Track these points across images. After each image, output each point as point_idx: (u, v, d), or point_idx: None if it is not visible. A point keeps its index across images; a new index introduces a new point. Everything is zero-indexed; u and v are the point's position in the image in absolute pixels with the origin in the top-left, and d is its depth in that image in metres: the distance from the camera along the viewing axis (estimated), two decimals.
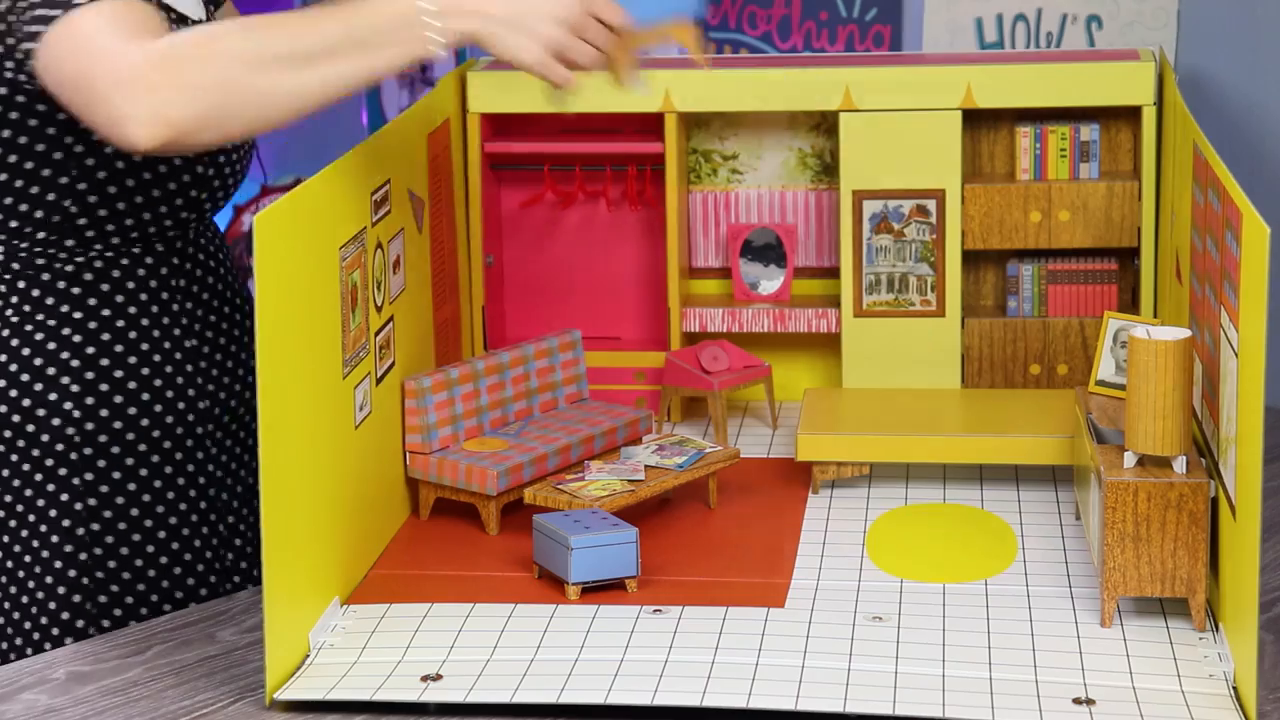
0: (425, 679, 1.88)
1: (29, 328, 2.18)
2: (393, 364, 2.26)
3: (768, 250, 2.68)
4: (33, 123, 2.12)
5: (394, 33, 1.92)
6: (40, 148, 2.13)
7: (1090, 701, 1.81)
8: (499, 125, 2.69)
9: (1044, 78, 2.55)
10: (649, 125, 2.64)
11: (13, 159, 2.14)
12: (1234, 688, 1.82)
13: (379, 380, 2.21)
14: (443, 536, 2.26)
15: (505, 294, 2.75)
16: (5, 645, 2.21)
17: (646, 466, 2.30)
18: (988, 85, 2.55)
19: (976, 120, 2.62)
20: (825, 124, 2.67)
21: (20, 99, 2.10)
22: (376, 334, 2.19)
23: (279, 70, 1.90)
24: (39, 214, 2.16)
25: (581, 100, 2.60)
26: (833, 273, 2.69)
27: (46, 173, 2.14)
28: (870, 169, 2.58)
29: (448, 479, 2.28)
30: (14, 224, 2.15)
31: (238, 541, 2.32)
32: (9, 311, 2.18)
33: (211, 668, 1.96)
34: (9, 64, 2.07)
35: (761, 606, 2.02)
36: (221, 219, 3.88)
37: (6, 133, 2.12)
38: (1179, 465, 1.95)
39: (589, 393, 2.51)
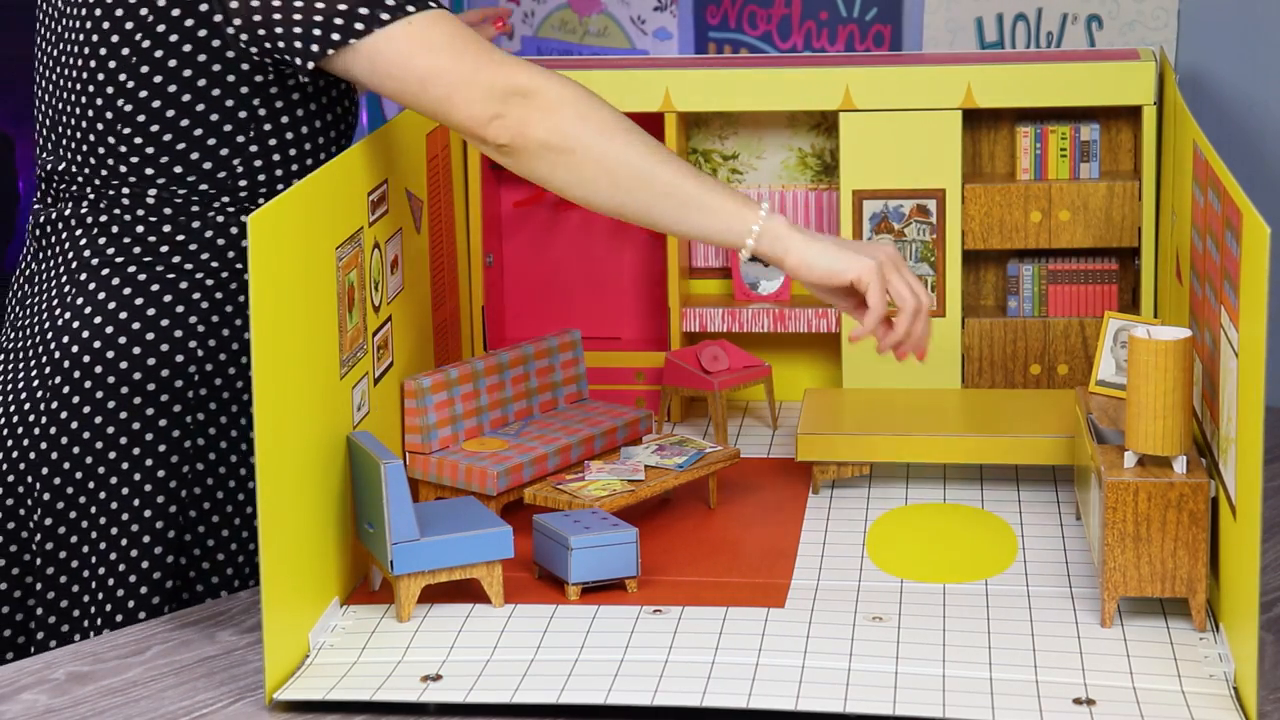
0: (425, 679, 1.88)
1: (116, 280, 2.20)
2: (391, 364, 2.26)
3: None
4: (243, 89, 2.16)
5: (724, 218, 2.09)
6: (229, 103, 2.17)
7: (1090, 702, 1.81)
8: None
9: (1044, 77, 2.55)
10: (649, 125, 2.63)
11: (211, 117, 2.17)
12: (1234, 688, 1.82)
13: (377, 380, 2.21)
14: None
15: (505, 294, 2.75)
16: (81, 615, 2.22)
17: (646, 466, 2.30)
18: (988, 85, 2.55)
19: (976, 120, 2.61)
20: (825, 124, 2.67)
21: (258, 77, 2.16)
22: (374, 334, 2.19)
23: (623, 174, 2.08)
24: (207, 166, 2.19)
25: None
26: None
27: (228, 129, 2.17)
28: (870, 169, 2.58)
29: (447, 479, 2.28)
30: (186, 175, 2.18)
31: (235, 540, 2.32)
32: (95, 260, 2.20)
33: (211, 668, 1.96)
34: (263, 46, 2.11)
35: (761, 606, 2.02)
36: None
37: (215, 91, 2.15)
38: (1179, 465, 1.95)
39: (589, 393, 2.50)
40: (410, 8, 2.08)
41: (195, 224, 2.20)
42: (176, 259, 2.21)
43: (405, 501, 2.00)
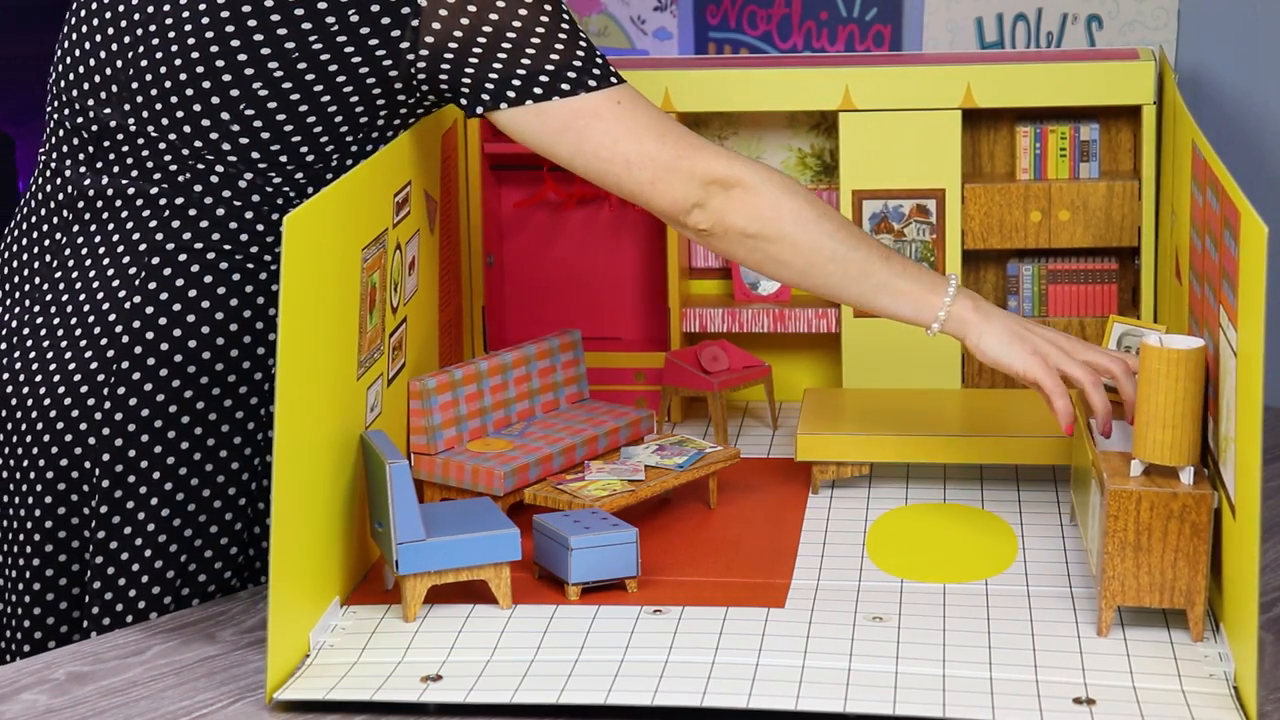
0: (425, 679, 1.88)
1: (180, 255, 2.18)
2: (404, 365, 2.27)
3: None
4: (380, 102, 2.16)
5: (910, 302, 2.16)
6: (359, 109, 2.16)
7: (1090, 701, 1.81)
8: None
9: (1043, 77, 2.55)
10: None
11: (337, 119, 2.15)
12: (1234, 687, 1.82)
13: (390, 381, 2.21)
14: None
15: (506, 294, 2.76)
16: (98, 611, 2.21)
17: (646, 466, 2.30)
18: (987, 85, 2.55)
19: (976, 120, 2.62)
20: (825, 124, 2.67)
21: (400, 96, 2.16)
22: (391, 335, 2.19)
23: (817, 259, 2.15)
24: (310, 158, 2.17)
25: None
26: None
27: (344, 129, 2.16)
28: (870, 169, 2.58)
29: (453, 480, 2.28)
30: (288, 164, 2.16)
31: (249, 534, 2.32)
32: (133, 238, 2.17)
33: (211, 668, 1.96)
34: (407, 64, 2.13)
35: (761, 606, 2.02)
36: None
37: (355, 98, 2.14)
38: (1186, 476, 1.93)
39: (589, 393, 2.51)
40: (613, 79, 2.13)
41: (275, 216, 2.17)
42: (255, 249, 2.18)
43: (410, 501, 2.01)
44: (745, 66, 2.64)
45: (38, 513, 2.19)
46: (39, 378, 2.19)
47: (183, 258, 2.17)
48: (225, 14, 2.12)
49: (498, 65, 2.10)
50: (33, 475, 2.19)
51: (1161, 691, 1.82)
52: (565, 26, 2.13)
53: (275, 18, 2.11)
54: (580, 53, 2.12)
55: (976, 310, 2.15)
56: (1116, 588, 1.93)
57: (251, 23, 2.12)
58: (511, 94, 2.11)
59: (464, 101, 2.14)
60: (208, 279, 2.18)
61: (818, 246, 2.15)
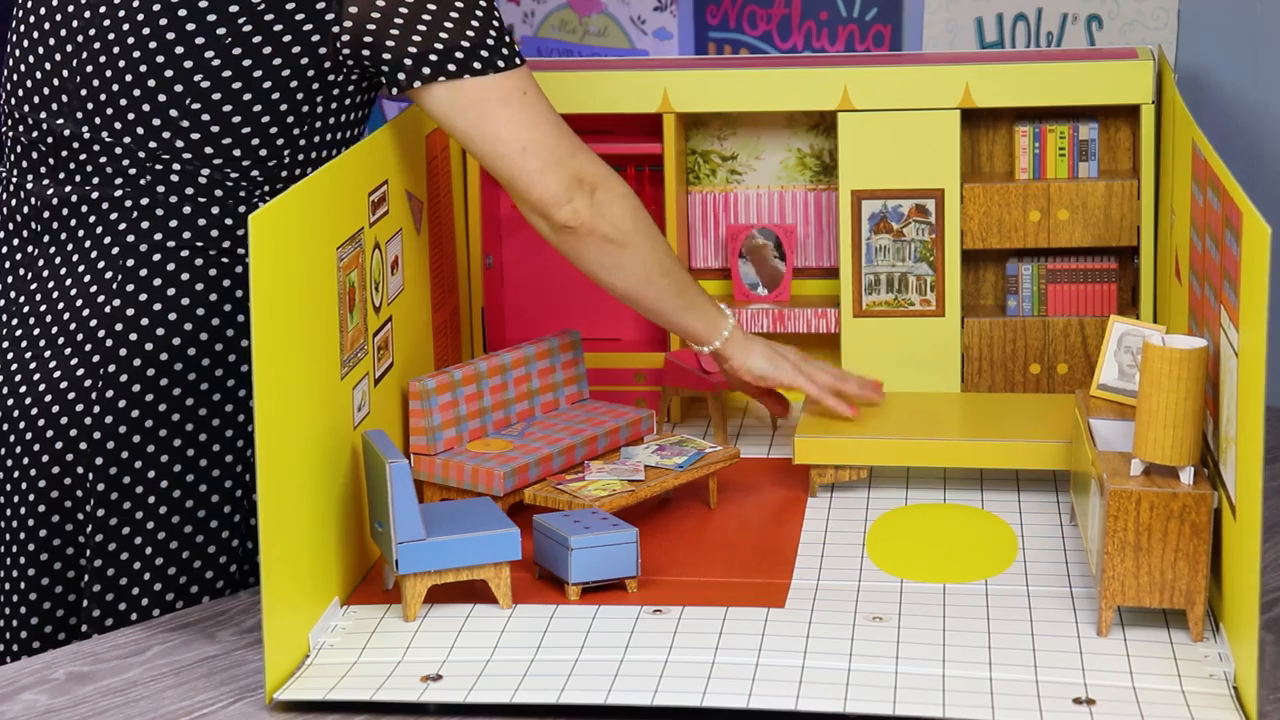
0: (425, 679, 1.88)
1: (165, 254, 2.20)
2: (391, 365, 2.27)
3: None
4: (314, 85, 2.20)
5: (707, 320, 2.37)
6: (300, 95, 2.19)
7: (1090, 701, 1.81)
8: None
9: (1042, 77, 2.55)
10: (647, 126, 2.64)
11: (281, 106, 2.18)
12: (1234, 688, 1.82)
13: (377, 381, 2.21)
14: None
15: (505, 295, 2.75)
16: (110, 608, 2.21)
17: (646, 466, 2.30)
18: (986, 85, 2.55)
19: (975, 120, 2.61)
20: (824, 124, 2.67)
21: (331, 75, 2.20)
22: (375, 335, 2.19)
23: (655, 271, 2.31)
24: (263, 153, 2.20)
25: (579, 101, 2.62)
26: (832, 273, 2.69)
27: (290, 119, 2.20)
28: (869, 169, 2.58)
29: (453, 480, 2.28)
30: (243, 159, 2.19)
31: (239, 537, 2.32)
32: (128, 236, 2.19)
33: (211, 668, 1.96)
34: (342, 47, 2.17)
35: (761, 606, 2.02)
36: None
37: (294, 82, 2.18)
38: (1186, 476, 1.93)
39: (589, 393, 2.51)
40: (518, 60, 2.19)
41: (242, 209, 2.20)
42: (227, 244, 2.20)
43: (410, 501, 2.01)
44: (745, 66, 2.64)
45: (31, 522, 2.20)
46: (23, 389, 2.19)
47: (157, 257, 2.19)
48: (157, 7, 2.15)
49: (417, 38, 2.15)
50: (24, 485, 2.20)
51: (1161, 692, 1.82)
52: (482, 3, 2.18)
53: (204, 4, 2.14)
54: (493, 32, 2.18)
55: (744, 335, 2.39)
56: (1116, 588, 1.93)
57: (182, 12, 2.15)
58: (428, 70, 2.16)
59: (384, 79, 2.19)
60: (184, 276, 2.19)
61: (659, 258, 2.30)
